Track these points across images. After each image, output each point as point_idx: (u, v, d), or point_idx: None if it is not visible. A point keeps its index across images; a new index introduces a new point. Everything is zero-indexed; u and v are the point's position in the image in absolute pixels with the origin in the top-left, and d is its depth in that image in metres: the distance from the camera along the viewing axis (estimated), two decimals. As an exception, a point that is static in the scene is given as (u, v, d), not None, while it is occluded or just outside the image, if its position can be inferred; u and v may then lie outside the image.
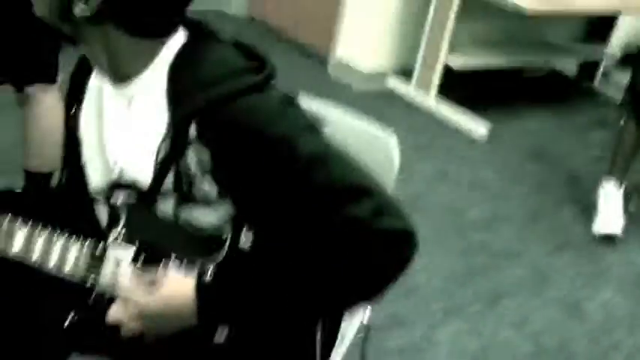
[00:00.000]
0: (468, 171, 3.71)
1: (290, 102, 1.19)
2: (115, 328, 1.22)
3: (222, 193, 1.19)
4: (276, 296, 1.18)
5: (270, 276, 1.18)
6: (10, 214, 1.27)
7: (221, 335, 1.24)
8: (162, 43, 1.19)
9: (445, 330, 2.58)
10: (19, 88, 2.47)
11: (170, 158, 1.17)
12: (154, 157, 1.19)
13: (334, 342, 1.39)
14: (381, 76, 4.46)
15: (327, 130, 1.21)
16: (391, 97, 4.37)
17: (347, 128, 1.54)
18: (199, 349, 1.24)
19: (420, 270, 2.86)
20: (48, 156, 2.51)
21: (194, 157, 1.16)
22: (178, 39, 1.20)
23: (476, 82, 4.60)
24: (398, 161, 1.61)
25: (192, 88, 1.15)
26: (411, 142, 3.84)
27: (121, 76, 1.22)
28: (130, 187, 1.24)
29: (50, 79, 2.45)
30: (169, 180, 1.19)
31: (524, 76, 5.02)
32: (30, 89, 2.46)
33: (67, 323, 1.28)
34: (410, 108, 4.29)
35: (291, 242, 1.17)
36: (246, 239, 1.22)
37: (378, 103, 4.23)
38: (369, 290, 1.20)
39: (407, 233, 1.16)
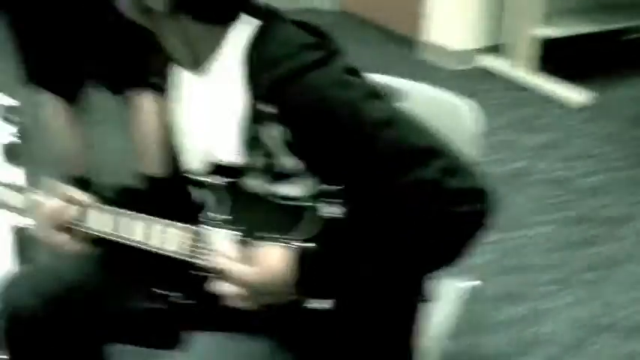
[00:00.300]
0: (571, 141, 3.65)
1: (354, 72, 1.24)
2: (220, 303, 1.29)
3: (303, 166, 1.26)
4: (366, 261, 1.22)
5: (358, 243, 1.23)
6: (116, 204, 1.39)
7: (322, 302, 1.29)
8: (230, 28, 1.28)
9: (557, 301, 2.56)
10: (117, 92, 2.61)
11: (250, 137, 1.25)
12: (237, 137, 1.26)
13: (419, 299, 1.42)
14: (473, 53, 4.44)
15: (406, 104, 1.25)
16: (485, 74, 4.33)
17: (426, 100, 1.56)
18: (301, 313, 1.30)
19: (530, 243, 2.85)
20: (152, 157, 2.62)
21: (272, 134, 1.23)
22: (247, 24, 1.28)
23: (572, 50, 4.49)
24: (480, 128, 1.61)
25: (262, 69, 1.22)
26: (510, 118, 3.81)
27: (196, 63, 1.32)
28: (220, 167, 1.32)
29: (146, 83, 2.57)
30: (254, 158, 1.26)
31: (623, 40, 4.87)
32: (128, 93, 2.60)
33: (173, 299, 1.39)
34: (505, 83, 4.24)
35: (372, 208, 1.22)
36: (330, 209, 1.27)
37: (471, 81, 4.21)
38: (448, 251, 1.22)
39: (478, 191, 1.17)
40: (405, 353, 1.41)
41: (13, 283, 1.55)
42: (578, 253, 2.80)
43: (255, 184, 1.29)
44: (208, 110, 1.34)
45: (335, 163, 1.22)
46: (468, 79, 4.21)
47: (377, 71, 1.28)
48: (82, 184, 2.60)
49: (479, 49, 4.44)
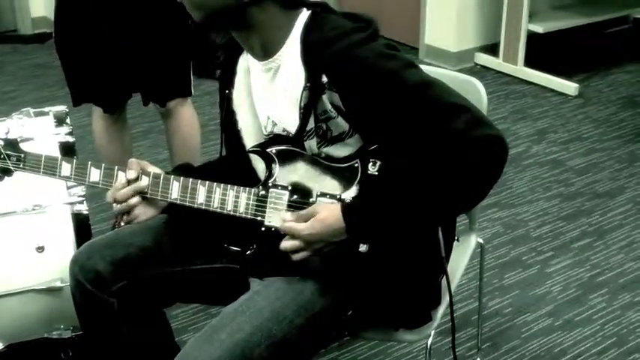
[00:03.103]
0: (565, 127, 3.95)
1: (393, 48, 1.54)
2: (284, 254, 1.54)
3: (353, 128, 1.54)
4: (404, 206, 1.48)
5: (397, 191, 1.49)
6: (191, 178, 1.63)
7: (364, 246, 1.56)
8: (294, 21, 1.55)
9: (556, 264, 2.85)
10: (162, 104, 2.81)
11: (310, 104, 1.53)
12: (297, 106, 1.54)
13: (453, 240, 1.70)
14: (470, 53, 4.74)
15: None
16: (482, 72, 4.62)
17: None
18: (348, 258, 1.56)
19: (529, 217, 3.15)
20: (191, 161, 2.84)
21: (328, 101, 1.52)
22: (304, 17, 1.56)
23: (561, 43, 4.81)
24: (486, 101, 1.90)
25: (318, 49, 1.51)
26: (508, 110, 4.12)
27: (268, 51, 1.58)
28: (282, 135, 1.59)
29: (187, 93, 2.81)
30: (311, 123, 1.54)
31: (607, 32, 5.16)
32: (171, 104, 2.80)
33: (247, 253, 1.61)
34: (502, 79, 4.54)
35: (409, 160, 1.49)
36: (373, 166, 1.55)
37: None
38: (476, 190, 1.49)
39: (499, 138, 1.46)
40: (434, 288, 1.67)
41: (80, 253, 1.71)
42: (573, 224, 3.09)
43: (310, 145, 1.56)
44: (273, 89, 1.59)
45: (380, 121, 1.49)
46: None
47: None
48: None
49: (477, 48, 4.75)
